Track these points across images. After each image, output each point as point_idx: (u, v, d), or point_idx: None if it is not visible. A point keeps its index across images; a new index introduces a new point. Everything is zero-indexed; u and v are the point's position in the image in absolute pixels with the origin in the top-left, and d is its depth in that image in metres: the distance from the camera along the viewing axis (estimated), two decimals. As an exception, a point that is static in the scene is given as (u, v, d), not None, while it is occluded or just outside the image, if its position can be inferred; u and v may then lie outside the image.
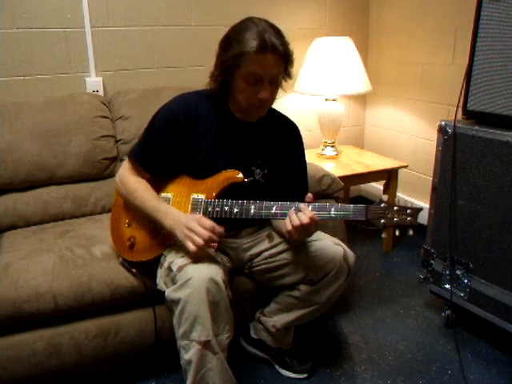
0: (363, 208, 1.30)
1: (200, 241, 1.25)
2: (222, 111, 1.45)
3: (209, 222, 1.27)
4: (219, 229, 1.28)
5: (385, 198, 1.32)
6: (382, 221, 1.29)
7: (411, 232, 1.30)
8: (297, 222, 1.27)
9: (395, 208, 1.30)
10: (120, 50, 2.18)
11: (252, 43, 1.27)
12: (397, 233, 1.32)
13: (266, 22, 1.34)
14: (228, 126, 1.45)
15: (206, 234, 1.25)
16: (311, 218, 1.27)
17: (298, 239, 1.35)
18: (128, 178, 1.44)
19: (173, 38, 2.27)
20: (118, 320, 1.48)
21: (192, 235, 1.26)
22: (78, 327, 1.44)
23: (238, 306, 1.39)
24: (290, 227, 1.29)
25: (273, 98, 1.39)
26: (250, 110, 1.41)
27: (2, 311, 1.34)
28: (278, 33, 1.32)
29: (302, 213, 1.28)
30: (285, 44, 1.32)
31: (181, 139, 1.42)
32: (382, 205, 1.30)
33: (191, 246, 1.25)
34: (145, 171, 1.44)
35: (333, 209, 1.31)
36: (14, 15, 1.95)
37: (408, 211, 1.29)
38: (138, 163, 1.44)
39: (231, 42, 1.31)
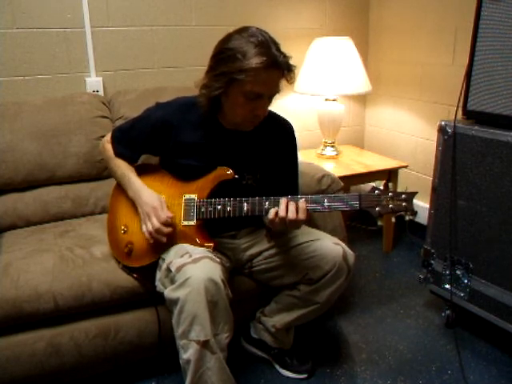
0: (357, 196, 1.29)
1: (156, 222, 1.34)
2: (211, 122, 1.44)
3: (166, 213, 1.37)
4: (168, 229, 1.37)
5: (379, 184, 1.30)
6: (377, 208, 1.28)
7: (409, 217, 1.28)
8: (283, 214, 1.28)
9: (389, 194, 1.28)
10: (120, 49, 2.18)
11: (259, 59, 1.23)
12: (393, 219, 1.31)
13: (265, 32, 1.31)
14: (217, 136, 1.44)
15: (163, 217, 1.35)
16: (301, 216, 1.28)
17: (281, 228, 1.37)
18: (109, 146, 1.56)
19: (173, 37, 2.27)
20: (118, 320, 1.49)
21: (151, 216, 1.36)
22: (78, 327, 1.44)
23: (238, 306, 1.39)
24: (272, 216, 1.29)
25: (267, 111, 1.39)
26: (244, 124, 1.40)
27: (2, 311, 1.34)
28: (278, 46, 1.30)
29: (294, 208, 1.28)
30: (287, 59, 1.30)
31: (164, 141, 1.45)
32: (376, 192, 1.29)
33: (148, 227, 1.37)
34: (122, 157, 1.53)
35: (326, 200, 1.31)
36: (14, 15, 1.95)
37: (403, 196, 1.28)
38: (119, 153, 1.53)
39: (235, 53, 1.25)
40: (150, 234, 1.37)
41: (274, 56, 1.26)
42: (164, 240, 1.37)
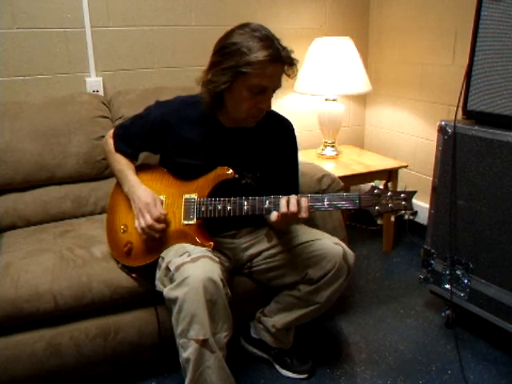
0: (356, 196, 1.30)
1: (149, 218, 1.35)
2: (210, 120, 1.44)
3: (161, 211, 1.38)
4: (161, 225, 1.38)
5: (378, 184, 1.31)
6: (377, 207, 1.29)
7: (407, 216, 1.29)
8: (284, 210, 1.28)
9: (389, 193, 1.29)
10: (120, 50, 2.18)
11: (265, 52, 1.25)
12: (392, 218, 1.31)
13: (266, 27, 1.32)
14: (216, 135, 1.44)
15: (156, 213, 1.36)
16: (304, 208, 1.28)
17: (284, 225, 1.38)
18: (111, 142, 1.58)
19: (173, 37, 2.27)
20: (118, 320, 1.49)
21: (144, 213, 1.37)
22: (78, 327, 1.44)
23: (238, 306, 1.39)
24: (275, 218, 1.31)
25: (270, 105, 1.40)
26: (247, 119, 1.40)
27: (2, 311, 1.34)
28: (279, 41, 1.32)
29: (295, 200, 1.29)
30: (290, 53, 1.32)
31: (163, 139, 1.45)
32: (376, 191, 1.30)
33: (140, 223, 1.38)
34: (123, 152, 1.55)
35: (326, 198, 1.31)
36: (14, 15, 1.95)
37: (402, 195, 1.29)
38: (120, 149, 1.55)
39: (240, 48, 1.27)
40: (143, 229, 1.38)
41: (277, 50, 1.28)
42: (157, 236, 1.38)
